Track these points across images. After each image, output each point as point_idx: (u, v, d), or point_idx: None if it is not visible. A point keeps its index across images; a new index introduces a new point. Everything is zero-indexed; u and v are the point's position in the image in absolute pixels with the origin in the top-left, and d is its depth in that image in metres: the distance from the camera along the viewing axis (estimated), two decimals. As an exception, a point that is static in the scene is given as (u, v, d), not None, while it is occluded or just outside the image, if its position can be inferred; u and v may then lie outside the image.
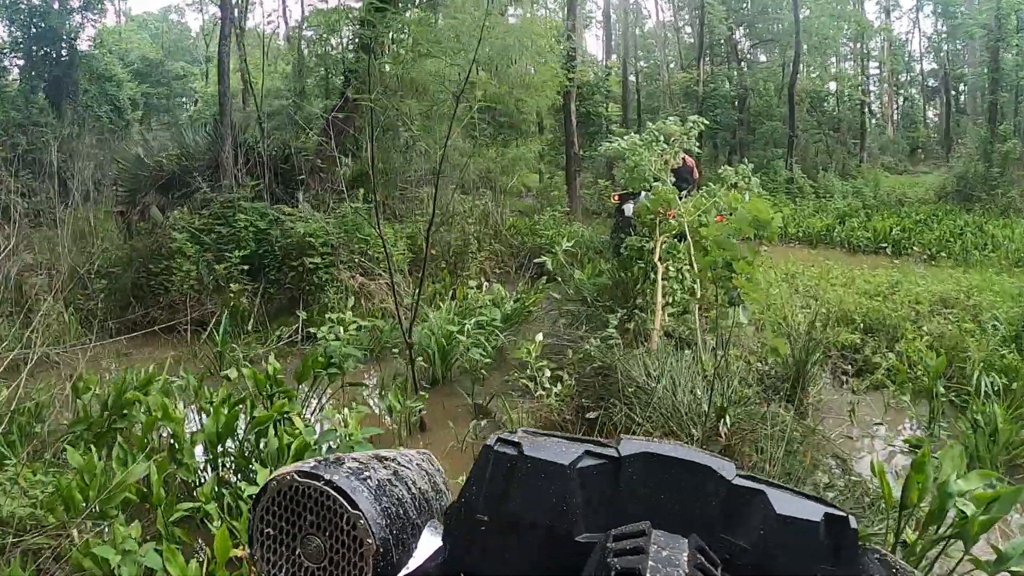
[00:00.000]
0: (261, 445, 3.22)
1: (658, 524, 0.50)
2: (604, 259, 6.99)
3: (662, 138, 5.61)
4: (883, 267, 8.49)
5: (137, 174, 9.28)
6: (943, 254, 9.76)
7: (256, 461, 3.07)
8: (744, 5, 22.09)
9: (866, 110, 21.82)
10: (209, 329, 5.77)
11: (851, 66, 23.85)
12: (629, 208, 6.43)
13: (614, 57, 22.73)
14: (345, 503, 0.55)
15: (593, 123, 18.23)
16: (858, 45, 23.43)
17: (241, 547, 2.52)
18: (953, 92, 25.41)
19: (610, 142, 6.03)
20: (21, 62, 15.44)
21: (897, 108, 27.59)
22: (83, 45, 16.64)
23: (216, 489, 3.07)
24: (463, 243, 8.08)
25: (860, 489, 3.02)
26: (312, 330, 4.27)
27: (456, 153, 9.04)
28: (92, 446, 3.48)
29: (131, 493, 2.97)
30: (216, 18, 15.65)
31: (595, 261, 6.96)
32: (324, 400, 3.97)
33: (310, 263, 6.56)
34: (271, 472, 3.12)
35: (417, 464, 0.66)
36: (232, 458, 3.43)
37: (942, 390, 4.07)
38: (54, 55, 15.31)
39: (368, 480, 0.58)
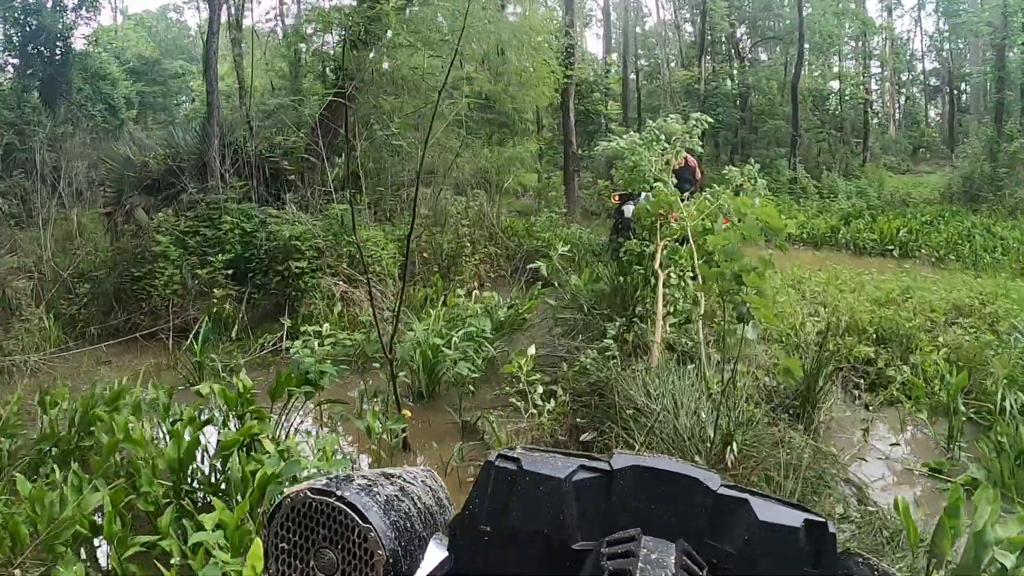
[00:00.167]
0: (228, 471, 2.97)
1: (648, 532, 0.53)
2: (602, 262, 6.73)
3: (663, 137, 5.36)
4: (891, 270, 8.23)
5: (124, 174, 9.02)
6: (951, 256, 9.48)
7: (218, 492, 2.81)
8: (746, 2, 21.81)
9: (869, 109, 21.52)
10: (191, 338, 5.54)
11: (853, 65, 23.58)
12: (629, 209, 6.20)
13: (614, 56, 22.45)
14: (356, 517, 0.58)
15: (592, 121, 17.92)
16: (860, 44, 23.16)
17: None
18: (956, 91, 25.14)
19: (609, 141, 5.79)
20: (15, 61, 15.20)
21: (899, 107, 27.32)
22: (78, 43, 16.41)
23: (177, 520, 2.82)
24: (456, 246, 7.80)
25: (879, 522, 2.76)
26: (287, 344, 4.01)
27: (446, 152, 8.78)
28: (56, 466, 3.24)
29: (82, 526, 2.73)
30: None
31: (593, 265, 6.68)
32: (300, 419, 3.71)
33: (296, 267, 6.31)
34: (237, 501, 2.88)
35: (422, 481, 0.69)
36: (199, 484, 3.17)
37: (962, 407, 3.81)
38: (48, 54, 15.05)
39: (377, 496, 0.61)
